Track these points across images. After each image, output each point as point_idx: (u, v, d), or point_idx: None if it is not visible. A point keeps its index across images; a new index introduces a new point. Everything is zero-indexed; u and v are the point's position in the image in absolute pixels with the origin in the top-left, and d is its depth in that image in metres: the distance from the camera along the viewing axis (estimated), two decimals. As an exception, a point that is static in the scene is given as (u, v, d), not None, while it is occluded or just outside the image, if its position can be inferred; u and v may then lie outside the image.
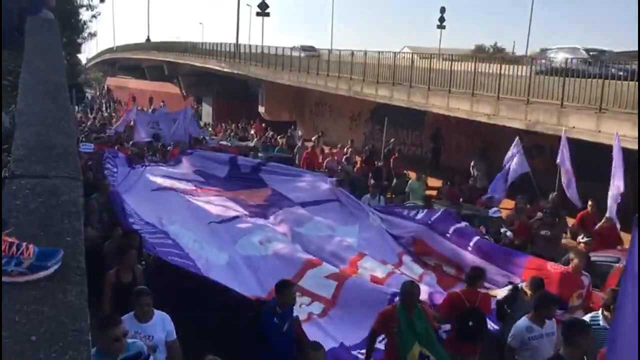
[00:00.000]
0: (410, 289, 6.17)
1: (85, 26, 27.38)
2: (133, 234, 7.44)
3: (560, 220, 11.20)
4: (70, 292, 1.94)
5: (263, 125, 32.82)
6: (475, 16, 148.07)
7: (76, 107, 25.43)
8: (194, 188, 10.21)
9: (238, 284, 7.24)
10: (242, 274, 7.80)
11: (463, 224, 9.68)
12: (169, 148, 17.75)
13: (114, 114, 40.32)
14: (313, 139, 24.60)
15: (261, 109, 35.54)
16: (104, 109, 46.85)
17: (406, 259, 9.25)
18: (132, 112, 25.74)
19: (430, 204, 11.46)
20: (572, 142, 15.04)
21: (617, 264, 8.10)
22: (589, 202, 11.24)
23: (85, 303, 1.92)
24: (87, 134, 21.51)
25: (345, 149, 21.08)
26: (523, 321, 6.07)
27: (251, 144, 23.19)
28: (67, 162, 2.78)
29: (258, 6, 44.62)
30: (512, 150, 13.14)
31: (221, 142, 22.55)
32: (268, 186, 10.66)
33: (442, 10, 50.42)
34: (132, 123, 23.71)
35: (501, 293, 7.15)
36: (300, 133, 27.12)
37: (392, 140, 22.17)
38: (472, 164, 18.10)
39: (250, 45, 39.81)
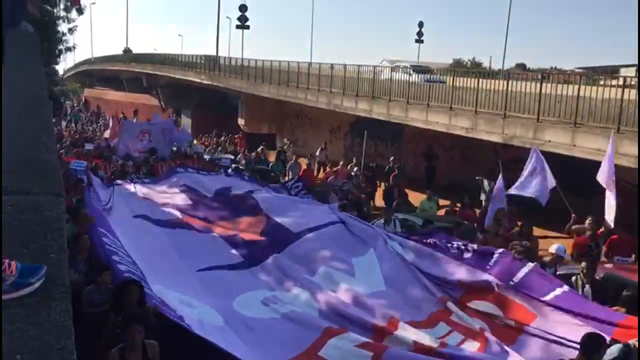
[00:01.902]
0: None
1: (63, 38, 27.15)
2: (131, 285, 5.71)
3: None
4: (55, 310, 1.93)
5: (242, 136, 32.50)
6: (453, 31, 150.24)
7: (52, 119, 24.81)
8: (180, 217, 8.84)
9: (241, 353, 5.64)
10: (244, 340, 6.14)
11: (532, 265, 7.21)
12: (152, 162, 17.19)
13: (90, 127, 39.61)
14: (317, 152, 23.75)
15: (240, 121, 35.52)
16: (87, 122, 45.72)
17: (453, 306, 7.03)
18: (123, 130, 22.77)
19: (473, 235, 9.41)
20: (547, 155, 15.32)
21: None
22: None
23: (69, 321, 1.91)
24: (66, 149, 20.66)
25: (349, 167, 19.59)
26: None
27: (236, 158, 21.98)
28: (49, 178, 2.77)
29: (238, 19, 44.79)
30: (533, 164, 11.38)
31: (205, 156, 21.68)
32: (263, 212, 9.19)
33: (421, 24, 51.20)
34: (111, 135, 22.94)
35: (608, 355, 5.69)
36: (292, 147, 25.30)
37: (392, 157, 21.52)
38: (484, 184, 15.87)
39: (230, 58, 39.85)
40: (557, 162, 15.41)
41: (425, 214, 13.51)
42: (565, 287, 6.82)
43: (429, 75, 21.94)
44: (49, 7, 21.93)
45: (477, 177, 15.81)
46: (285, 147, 24.21)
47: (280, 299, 7.01)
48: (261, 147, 24.99)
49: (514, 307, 6.70)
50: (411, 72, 23.50)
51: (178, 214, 8.94)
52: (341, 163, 20.19)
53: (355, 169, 18.87)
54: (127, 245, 7.00)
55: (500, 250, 7.62)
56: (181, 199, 9.62)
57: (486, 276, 7.11)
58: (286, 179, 18.70)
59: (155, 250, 7.58)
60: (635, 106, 12.53)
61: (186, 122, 45.57)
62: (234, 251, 8.01)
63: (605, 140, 12.91)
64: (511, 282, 6.92)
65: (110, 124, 25.59)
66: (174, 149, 21.00)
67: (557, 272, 8.65)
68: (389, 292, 7.33)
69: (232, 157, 22.47)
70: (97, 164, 15.44)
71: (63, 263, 2.16)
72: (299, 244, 8.11)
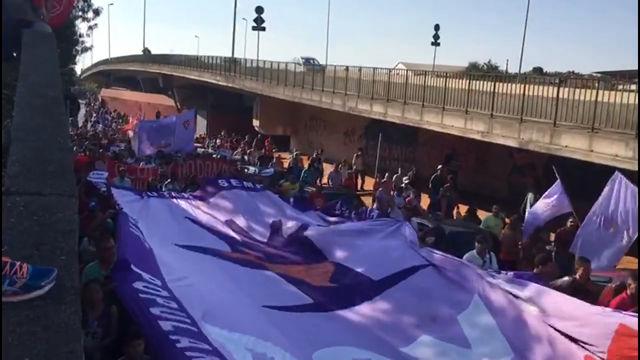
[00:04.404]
0: None
1: (81, 38, 27.46)
2: None
3: None
4: (64, 313, 1.92)
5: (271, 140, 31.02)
6: (469, 34, 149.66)
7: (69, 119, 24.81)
8: (229, 251, 7.37)
9: None
10: None
11: None
12: (179, 158, 16.49)
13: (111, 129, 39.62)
14: (353, 159, 22.04)
15: (255, 123, 35.60)
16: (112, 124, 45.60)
17: None
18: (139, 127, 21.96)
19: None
20: (563, 160, 15.19)
21: (609, 284, 8.10)
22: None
23: (79, 324, 1.90)
24: (91, 152, 20.15)
25: (394, 177, 17.84)
26: None
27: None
28: (62, 179, 2.77)
29: (254, 20, 44.86)
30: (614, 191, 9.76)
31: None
32: (328, 259, 7.35)
33: (437, 27, 50.91)
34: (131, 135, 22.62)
35: None
36: (323, 158, 23.55)
37: (439, 166, 19.23)
38: (527, 198, 14.86)
39: (245, 59, 39.98)
40: (574, 168, 15.31)
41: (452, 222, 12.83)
42: None
43: None
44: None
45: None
46: (317, 155, 23.09)
47: None
48: (295, 153, 24.43)
49: None
50: None
51: (227, 248, 7.46)
52: (386, 175, 18.05)
53: (405, 179, 16.88)
54: (170, 280, 5.35)
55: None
56: (229, 232, 8.07)
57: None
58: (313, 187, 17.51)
59: (208, 280, 6.01)
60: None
61: (202, 123, 45.84)
62: (299, 291, 6.41)
63: (623, 146, 12.75)
64: None
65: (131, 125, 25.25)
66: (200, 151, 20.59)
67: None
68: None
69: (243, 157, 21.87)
70: (123, 170, 14.21)
71: (74, 265, 2.15)
72: (385, 298, 6.35)
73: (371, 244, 7.42)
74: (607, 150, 13.16)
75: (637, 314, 5.13)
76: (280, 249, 7.77)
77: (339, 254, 7.32)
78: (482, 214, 14.25)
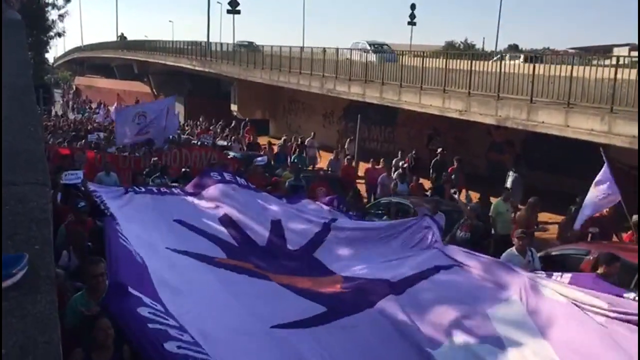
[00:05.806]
0: None
1: (52, 25, 26.98)
2: None
3: None
4: (40, 303, 1.89)
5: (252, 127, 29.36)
6: (445, 12, 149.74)
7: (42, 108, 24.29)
8: (224, 256, 6.64)
9: None
10: None
11: None
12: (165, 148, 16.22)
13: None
14: (346, 144, 21.32)
15: (233, 107, 35.35)
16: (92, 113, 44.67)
17: None
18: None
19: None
20: (540, 136, 15.35)
21: (586, 257, 8.24)
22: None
23: (55, 313, 1.87)
24: (69, 141, 19.42)
25: (394, 162, 16.94)
26: None
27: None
28: (34, 168, 2.72)
29: (229, 3, 44.33)
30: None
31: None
32: (336, 274, 6.51)
33: (413, 6, 50.77)
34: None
35: None
36: (316, 144, 22.83)
37: (440, 149, 18.24)
38: (508, 175, 14.73)
39: (221, 44, 39.56)
40: (551, 143, 15.49)
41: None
42: None
43: None
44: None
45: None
46: (308, 140, 22.65)
47: None
48: (284, 138, 24.06)
49: None
50: None
51: (222, 254, 6.70)
52: (382, 160, 16.67)
53: (401, 163, 15.93)
54: (169, 303, 4.63)
55: None
56: (224, 234, 7.29)
57: None
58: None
59: (208, 300, 5.34)
60: (629, 85, 12.50)
61: (179, 108, 45.40)
62: (309, 301, 5.71)
63: (598, 120, 12.90)
64: None
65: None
66: (171, 137, 20.23)
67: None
68: None
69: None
70: (109, 163, 13.14)
71: (48, 255, 2.12)
72: (406, 298, 5.63)
73: (387, 255, 6.69)
74: (583, 125, 13.30)
75: None
76: (283, 258, 7.03)
77: (351, 269, 6.55)
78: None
